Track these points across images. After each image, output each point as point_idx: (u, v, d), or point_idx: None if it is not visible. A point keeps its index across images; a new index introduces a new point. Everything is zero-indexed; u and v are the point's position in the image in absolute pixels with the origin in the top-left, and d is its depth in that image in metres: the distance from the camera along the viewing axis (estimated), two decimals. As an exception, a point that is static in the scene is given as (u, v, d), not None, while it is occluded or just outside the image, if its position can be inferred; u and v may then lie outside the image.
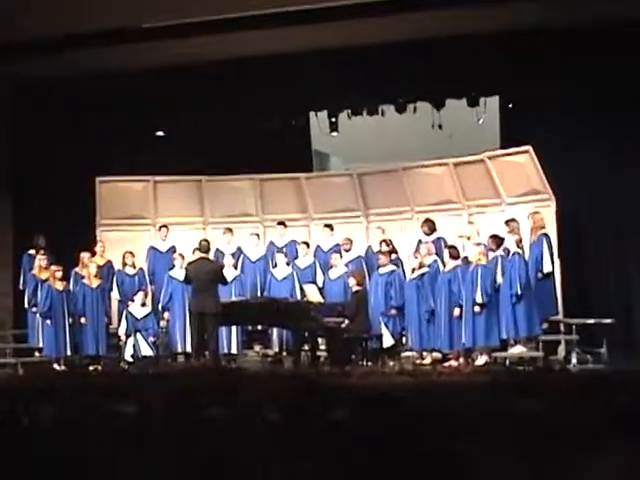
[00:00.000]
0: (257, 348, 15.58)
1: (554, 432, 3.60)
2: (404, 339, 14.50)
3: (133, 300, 14.96)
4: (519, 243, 13.13)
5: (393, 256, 14.71)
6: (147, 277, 15.61)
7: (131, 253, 15.48)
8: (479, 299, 12.90)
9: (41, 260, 14.92)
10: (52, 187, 16.40)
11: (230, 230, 15.87)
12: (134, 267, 15.46)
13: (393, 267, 14.34)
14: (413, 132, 16.70)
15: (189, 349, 14.53)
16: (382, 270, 14.34)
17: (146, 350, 14.56)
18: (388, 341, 13.99)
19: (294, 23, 14.07)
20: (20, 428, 4.72)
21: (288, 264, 15.25)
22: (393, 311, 14.11)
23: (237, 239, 15.89)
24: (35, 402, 5.57)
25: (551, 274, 13.37)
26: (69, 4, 13.42)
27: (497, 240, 13.29)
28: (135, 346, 14.54)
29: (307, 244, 15.60)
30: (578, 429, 3.10)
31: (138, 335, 14.59)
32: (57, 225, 15.72)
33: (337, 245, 15.48)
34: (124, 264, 15.47)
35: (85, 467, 4.34)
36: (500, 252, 13.16)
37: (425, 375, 12.41)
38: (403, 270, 14.61)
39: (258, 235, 15.95)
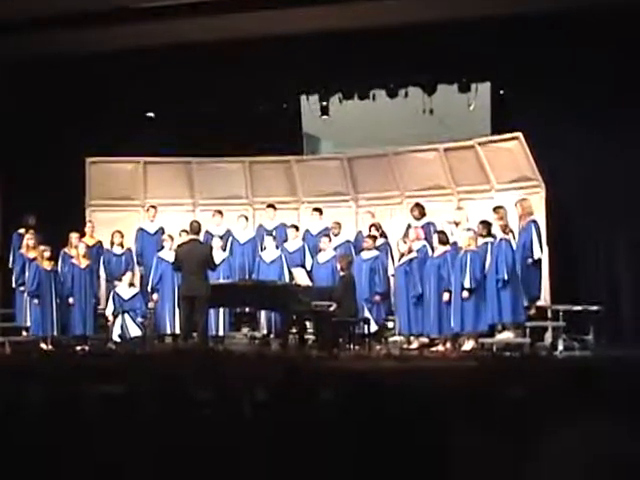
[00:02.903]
0: (245, 330, 15.60)
1: (538, 416, 3.63)
2: (392, 324, 14.56)
3: (121, 280, 14.96)
4: (506, 229, 13.16)
5: (381, 240, 14.75)
6: (135, 258, 15.61)
7: (120, 233, 15.48)
8: (467, 284, 12.93)
9: (29, 239, 14.91)
10: (42, 167, 16.35)
11: (220, 212, 15.87)
12: (122, 247, 15.46)
13: (376, 252, 14.38)
14: (404, 117, 16.69)
15: (177, 330, 14.56)
16: (365, 255, 14.38)
17: (134, 330, 14.58)
18: (372, 327, 14.04)
19: (286, 5, 14.05)
20: (5, 407, 4.73)
21: (277, 247, 15.25)
22: (377, 297, 14.17)
23: (227, 221, 15.89)
24: (21, 381, 5.57)
25: (541, 260, 13.41)
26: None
27: (487, 226, 13.32)
28: (123, 326, 14.56)
29: (296, 227, 15.60)
30: (562, 414, 3.13)
31: (126, 315, 14.60)
32: (47, 205, 15.68)
33: (326, 229, 15.49)
34: (112, 243, 15.47)
35: (71, 448, 4.34)
36: (490, 238, 13.19)
37: (412, 359, 12.46)
38: (392, 255, 14.65)
39: (247, 217, 15.95)
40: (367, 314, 14.08)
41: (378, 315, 14.19)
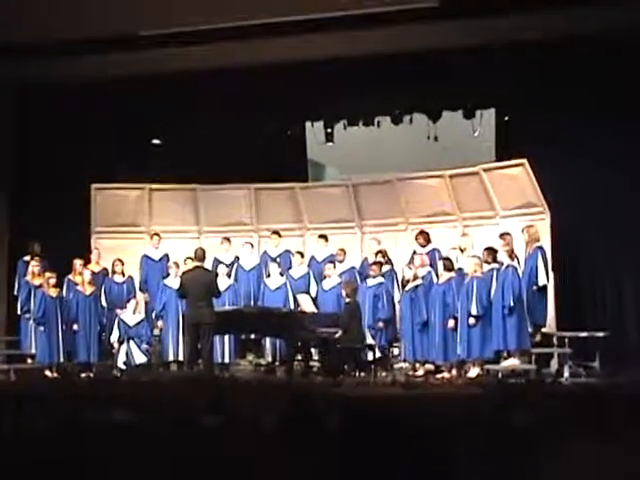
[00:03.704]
0: (250, 357, 15.57)
1: (543, 443, 3.62)
2: (397, 350, 14.53)
3: (125, 307, 14.97)
4: (512, 255, 13.15)
5: (387, 267, 14.74)
6: (136, 285, 15.60)
7: (120, 261, 15.47)
8: (474, 311, 12.90)
9: (34, 266, 14.92)
10: (48, 194, 16.38)
11: (228, 240, 15.87)
12: (123, 275, 15.45)
13: (381, 279, 14.36)
14: (409, 143, 16.72)
15: (182, 357, 14.53)
16: (370, 282, 14.38)
17: (139, 357, 14.57)
18: (375, 353, 14.02)
19: (290, 33, 14.11)
20: (10, 434, 4.72)
21: (282, 274, 15.25)
22: (380, 324, 14.14)
23: (234, 249, 15.89)
24: (26, 409, 5.56)
25: (546, 287, 13.38)
26: (70, 10, 13.45)
27: (492, 252, 13.30)
28: (128, 353, 14.54)
29: (301, 254, 15.60)
30: (566, 441, 3.12)
31: (131, 343, 14.59)
32: (52, 232, 15.70)
33: (331, 256, 15.47)
34: (113, 272, 15.46)
35: (76, 475, 4.33)
36: (495, 264, 13.17)
37: (417, 387, 12.41)
38: (397, 281, 14.63)
39: (252, 244, 15.95)
40: (371, 340, 14.05)
41: (381, 341, 14.16)
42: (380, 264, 14.62)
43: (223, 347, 14.82)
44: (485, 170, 14.88)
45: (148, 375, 14.25)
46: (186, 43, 14.51)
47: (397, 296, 14.50)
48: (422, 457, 3.57)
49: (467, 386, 12.19)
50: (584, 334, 13.17)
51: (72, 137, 16.31)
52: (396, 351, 14.65)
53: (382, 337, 14.20)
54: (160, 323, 15.17)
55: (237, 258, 15.77)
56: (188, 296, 13.23)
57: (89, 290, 14.83)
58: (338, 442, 4.18)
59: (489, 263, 13.21)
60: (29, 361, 14.85)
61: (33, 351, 14.63)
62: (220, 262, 15.41)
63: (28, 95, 16.26)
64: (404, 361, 14.28)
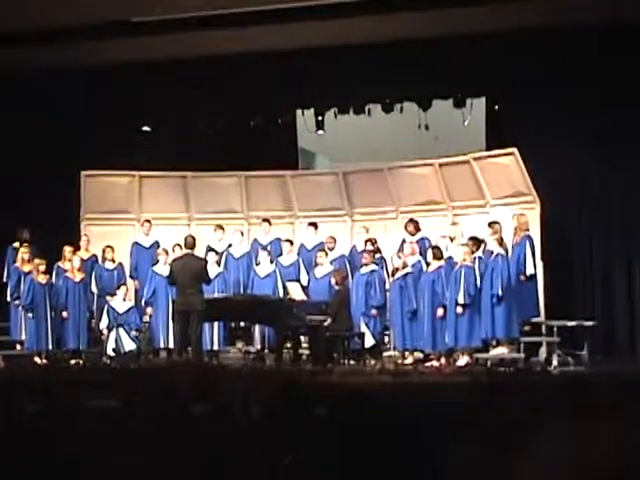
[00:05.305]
0: (239, 345, 15.58)
1: (531, 431, 3.63)
2: (387, 339, 14.55)
3: (116, 294, 14.96)
4: (501, 244, 13.17)
5: (376, 255, 14.75)
6: (127, 272, 15.59)
7: (111, 248, 15.45)
8: (461, 300, 12.92)
9: (24, 253, 14.90)
10: (37, 180, 16.34)
11: (222, 227, 15.86)
12: (113, 262, 15.44)
13: (373, 267, 14.37)
14: (399, 132, 16.72)
15: (171, 344, 14.55)
16: (363, 270, 14.38)
17: (129, 344, 14.57)
18: (369, 341, 14.02)
19: (282, 21, 14.08)
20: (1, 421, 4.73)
21: (271, 262, 15.24)
22: (374, 311, 14.14)
23: (228, 236, 15.88)
24: (17, 396, 5.57)
25: (534, 276, 13.42)
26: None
27: (477, 242, 13.33)
28: (117, 340, 14.54)
29: (291, 242, 15.60)
30: (556, 428, 3.13)
31: (120, 329, 14.59)
32: (42, 219, 15.68)
33: (321, 244, 15.48)
34: (104, 259, 15.45)
35: (65, 461, 4.34)
36: (479, 253, 13.20)
37: (406, 375, 12.44)
38: (387, 269, 14.65)
39: (242, 232, 15.95)
40: (364, 328, 14.05)
41: (375, 328, 14.15)
42: (372, 252, 14.63)
43: (212, 334, 14.84)
44: (475, 159, 14.90)
45: (137, 362, 14.25)
46: (177, 30, 14.47)
47: (387, 284, 14.52)
48: (408, 446, 3.60)
49: (456, 374, 12.22)
50: (572, 323, 13.21)
51: (62, 124, 16.26)
52: (385, 339, 14.66)
53: (376, 324, 14.19)
54: (149, 310, 15.17)
55: (229, 246, 15.76)
56: (178, 283, 13.28)
57: (78, 277, 14.81)
58: (326, 430, 4.20)
59: (473, 252, 13.22)
60: (18, 347, 14.84)
61: (22, 337, 14.62)
62: (212, 249, 15.40)
63: (16, 81, 16.17)
64: (393, 349, 14.30)
